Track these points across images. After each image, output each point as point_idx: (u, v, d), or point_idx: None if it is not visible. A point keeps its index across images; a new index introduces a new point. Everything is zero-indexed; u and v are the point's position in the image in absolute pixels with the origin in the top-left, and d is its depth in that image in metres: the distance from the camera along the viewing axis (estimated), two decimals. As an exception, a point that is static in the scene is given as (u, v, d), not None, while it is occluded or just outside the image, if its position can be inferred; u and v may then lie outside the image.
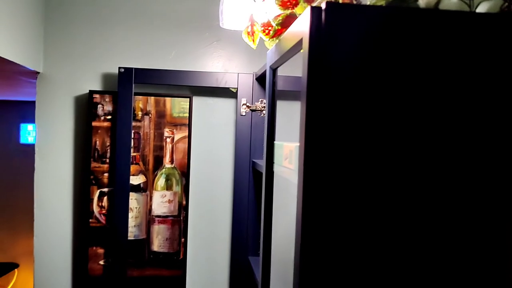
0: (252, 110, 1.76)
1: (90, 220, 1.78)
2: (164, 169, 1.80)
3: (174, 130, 1.81)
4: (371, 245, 0.77)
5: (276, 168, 1.23)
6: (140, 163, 1.79)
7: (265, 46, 1.28)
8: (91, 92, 1.78)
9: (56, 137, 1.82)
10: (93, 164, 1.78)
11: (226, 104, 1.88)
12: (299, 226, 0.77)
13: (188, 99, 1.81)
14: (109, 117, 1.78)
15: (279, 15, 1.10)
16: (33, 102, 1.83)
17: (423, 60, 0.76)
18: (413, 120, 0.77)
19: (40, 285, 1.83)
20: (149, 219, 1.80)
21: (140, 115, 1.79)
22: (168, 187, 1.81)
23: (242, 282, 1.80)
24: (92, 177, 1.78)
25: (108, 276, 1.78)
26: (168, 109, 1.80)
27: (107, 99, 1.77)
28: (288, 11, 1.07)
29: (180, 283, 1.82)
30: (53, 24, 1.80)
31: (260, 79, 1.78)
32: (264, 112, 1.74)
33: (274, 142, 1.22)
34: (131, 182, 1.75)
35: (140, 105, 1.79)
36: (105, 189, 1.78)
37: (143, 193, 1.80)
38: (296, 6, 1.05)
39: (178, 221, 1.81)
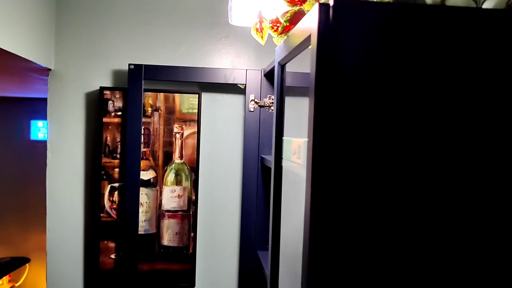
0: (261, 106, 1.78)
1: (101, 214, 1.81)
2: (173, 165, 1.83)
3: (183, 126, 1.83)
4: (380, 241, 0.78)
5: (285, 163, 1.25)
6: (150, 158, 1.82)
7: (273, 42, 1.29)
8: (102, 89, 1.80)
9: (67, 133, 1.84)
10: (104, 160, 1.81)
11: (235, 100, 1.89)
12: (307, 221, 0.78)
13: (197, 95, 1.83)
14: (119, 113, 1.80)
15: (287, 12, 1.11)
16: (43, 99, 1.86)
17: (430, 56, 0.77)
18: (421, 117, 0.78)
19: (53, 278, 1.86)
20: (159, 214, 1.83)
21: (149, 111, 1.81)
22: (178, 182, 1.83)
23: (251, 276, 1.83)
24: (103, 172, 1.81)
25: (119, 269, 1.81)
26: (177, 105, 1.82)
27: (117, 96, 1.80)
28: (296, 8, 1.08)
29: (189, 277, 1.84)
30: (64, 22, 1.83)
31: (268, 75, 1.79)
32: (272, 108, 1.76)
33: (283, 137, 1.23)
34: (141, 177, 1.78)
35: (150, 101, 1.81)
36: (116, 184, 1.81)
37: (153, 188, 1.82)
38: (304, 3, 1.06)
39: (188, 215, 1.84)
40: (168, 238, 1.83)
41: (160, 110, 1.82)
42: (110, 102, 1.80)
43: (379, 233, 0.78)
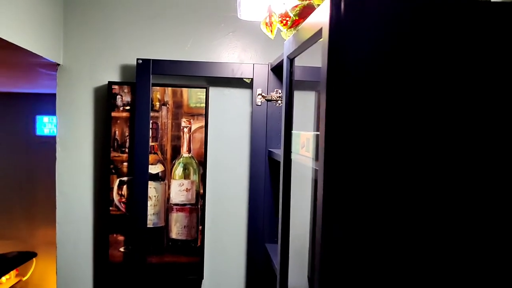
0: (268, 100, 1.79)
1: (110, 208, 1.83)
2: (181, 159, 1.84)
3: (191, 120, 1.84)
4: (391, 234, 0.79)
5: (293, 156, 1.26)
6: (158, 152, 1.83)
7: (280, 37, 1.30)
8: (110, 84, 1.82)
9: (76, 127, 1.86)
10: (113, 154, 1.82)
11: (242, 94, 1.91)
12: (320, 215, 0.79)
13: (205, 89, 1.85)
14: (127, 107, 1.81)
15: (296, 6, 1.12)
16: (49, 95, 1.88)
17: (445, 49, 0.78)
18: (435, 111, 0.78)
19: (62, 271, 1.88)
20: (168, 207, 1.85)
21: (158, 106, 1.83)
22: (186, 176, 1.85)
23: (259, 269, 1.84)
24: (112, 166, 1.82)
25: (128, 262, 1.83)
26: (185, 99, 1.84)
27: (125, 90, 1.81)
28: (306, 2, 1.09)
29: (198, 270, 1.86)
30: (73, 17, 1.84)
31: (275, 69, 1.80)
32: (279, 102, 1.77)
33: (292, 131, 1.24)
34: (149, 171, 1.79)
35: (158, 96, 1.82)
36: (125, 178, 1.83)
37: (162, 182, 1.84)
38: (313, -3, 1.07)
39: (196, 209, 1.85)
40: (176, 231, 1.85)
41: (168, 105, 1.83)
42: (118, 96, 1.81)
43: (390, 226, 0.79)
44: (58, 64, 1.83)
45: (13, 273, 3.92)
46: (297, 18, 1.11)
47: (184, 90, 1.84)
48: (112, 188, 1.83)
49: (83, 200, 1.88)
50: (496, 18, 0.78)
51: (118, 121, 1.82)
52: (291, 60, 1.22)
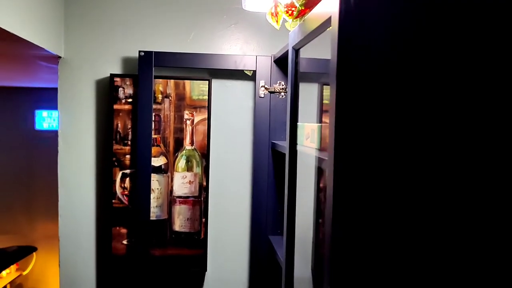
0: (271, 92, 1.78)
1: (113, 201, 1.82)
2: (184, 151, 1.84)
3: (194, 113, 1.83)
4: (401, 228, 0.79)
5: (298, 148, 1.26)
6: (161, 145, 1.83)
7: (282, 29, 1.29)
8: (112, 76, 1.81)
9: (78, 120, 1.85)
10: (115, 147, 1.82)
11: (245, 86, 1.90)
12: (330, 207, 0.79)
13: (207, 81, 1.84)
14: (130, 100, 1.81)
15: (302, -4, 1.11)
16: (48, 89, 1.87)
17: (459, 39, 0.77)
18: (448, 104, 0.78)
19: (65, 264, 1.88)
20: (171, 200, 1.84)
21: (160, 98, 1.82)
22: (189, 168, 1.84)
23: (262, 260, 1.85)
24: (114, 159, 1.82)
25: (131, 255, 1.83)
26: (187, 91, 1.83)
27: (128, 83, 1.80)
28: (312, -8, 1.08)
29: (201, 262, 1.86)
30: (74, 9, 1.82)
31: (278, 61, 1.79)
32: (282, 94, 1.76)
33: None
34: (152, 163, 1.79)
35: (160, 88, 1.82)
36: (127, 171, 1.82)
37: (164, 175, 1.84)
38: (320, -13, 1.06)
39: (199, 201, 1.85)
40: (179, 223, 1.85)
41: (171, 97, 1.82)
42: (120, 89, 1.80)
43: (400, 219, 0.78)
44: (60, 57, 1.82)
45: (13, 267, 3.92)
46: (303, 8, 1.10)
47: (187, 82, 1.83)
48: (115, 181, 1.82)
49: (86, 193, 1.87)
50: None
51: (121, 114, 1.81)
52: (296, 51, 1.22)
